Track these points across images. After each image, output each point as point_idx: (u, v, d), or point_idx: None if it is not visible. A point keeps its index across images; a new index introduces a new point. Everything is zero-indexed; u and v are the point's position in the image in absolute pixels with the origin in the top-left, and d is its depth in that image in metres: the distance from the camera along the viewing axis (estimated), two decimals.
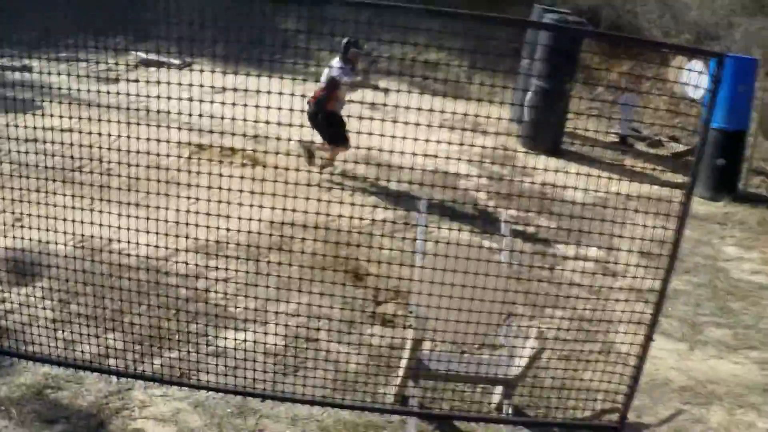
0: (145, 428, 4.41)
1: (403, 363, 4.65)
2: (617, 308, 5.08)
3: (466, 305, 4.29)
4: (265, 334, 5.38)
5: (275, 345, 5.32)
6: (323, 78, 9.22)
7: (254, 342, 5.04)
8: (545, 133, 11.88)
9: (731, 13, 16.59)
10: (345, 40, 9.11)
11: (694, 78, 11.90)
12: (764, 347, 6.45)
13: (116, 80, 10.93)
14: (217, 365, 4.90)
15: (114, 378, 4.78)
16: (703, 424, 5.19)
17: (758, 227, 9.70)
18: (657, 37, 16.59)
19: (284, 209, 4.23)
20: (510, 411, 4.74)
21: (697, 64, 11.98)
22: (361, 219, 6.77)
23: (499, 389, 4.88)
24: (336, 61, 9.24)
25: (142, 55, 13.66)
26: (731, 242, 9.04)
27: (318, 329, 5.19)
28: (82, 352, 4.82)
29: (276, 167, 4.97)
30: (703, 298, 7.26)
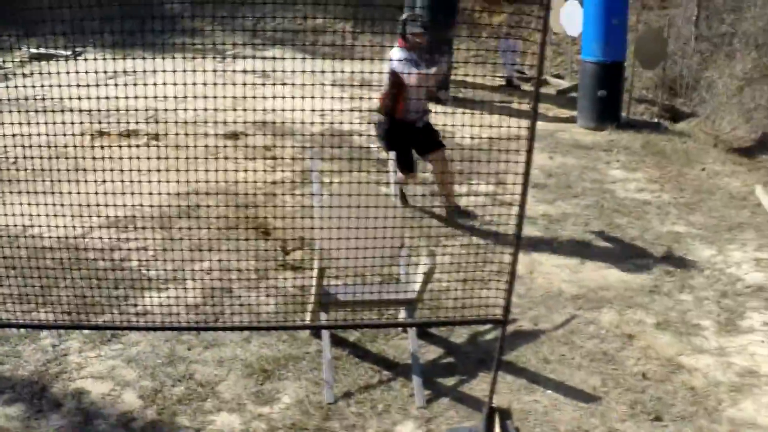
0: (85, 386, 4.89)
1: (312, 296, 5.24)
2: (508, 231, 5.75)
3: (363, 239, 4.88)
4: (185, 289, 5.90)
5: (195, 298, 5.84)
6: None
7: (176, 297, 5.56)
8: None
9: None
10: (403, 17, 7.46)
11: (569, 16, 12.78)
12: (649, 254, 7.25)
13: (7, 76, 11.17)
14: (145, 322, 5.42)
15: (50, 347, 5.26)
16: (595, 324, 5.93)
17: (642, 150, 10.59)
18: None
19: (188, 181, 4.66)
20: (415, 331, 5.39)
21: (574, 4, 12.85)
22: (264, 181, 7.29)
23: (403, 312, 5.51)
24: (396, 51, 7.24)
25: (33, 50, 13.80)
26: (616, 166, 9.89)
27: (230, 280, 5.79)
28: (18, 327, 5.28)
29: (176, 145, 5.47)
30: (591, 218, 8.05)
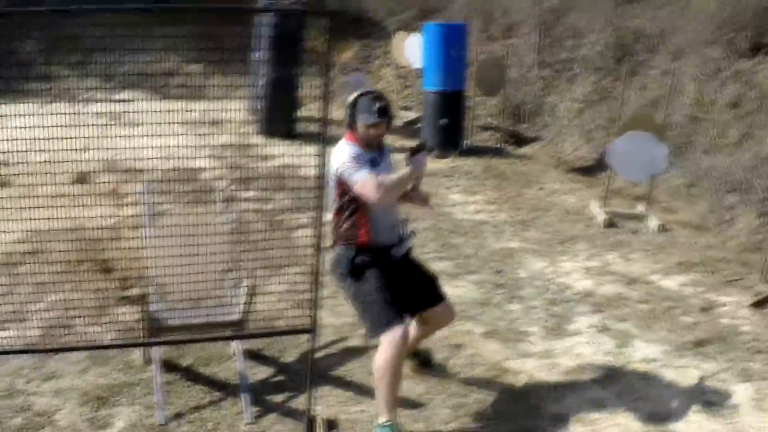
0: None
1: (141, 324, 5.33)
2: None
3: (191, 266, 5.03)
4: (26, 329, 5.90)
5: (33, 336, 5.86)
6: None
7: (17, 337, 5.57)
8: (279, 119, 12.86)
9: None
10: (353, 96, 4.96)
11: (412, 49, 13.29)
12: (482, 270, 7.59)
13: None
14: None
15: None
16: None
17: (483, 174, 11.05)
18: (382, 17, 18.00)
19: (36, 219, 4.76)
20: (241, 350, 5.54)
21: (416, 37, 13.37)
22: (111, 218, 7.34)
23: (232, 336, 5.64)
24: (341, 148, 4.88)
25: None
26: (456, 191, 10.29)
27: (72, 317, 5.85)
28: None
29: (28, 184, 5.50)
30: (427, 239, 8.35)
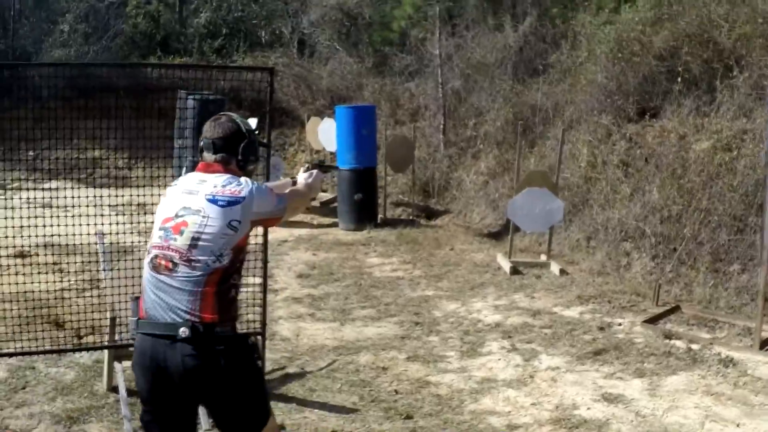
0: None
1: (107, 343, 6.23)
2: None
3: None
4: None
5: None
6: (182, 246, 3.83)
7: None
8: None
9: (359, 76, 19.74)
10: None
11: (325, 133, 14.50)
12: (401, 314, 8.61)
13: None
14: None
15: None
16: (353, 364, 7.14)
17: (397, 241, 12.17)
18: (296, 107, 19.35)
19: None
20: None
21: (328, 122, 14.61)
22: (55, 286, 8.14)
23: None
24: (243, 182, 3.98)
25: None
26: (374, 255, 11.38)
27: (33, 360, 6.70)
28: None
29: None
30: (350, 293, 9.38)
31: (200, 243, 3.73)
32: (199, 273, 3.70)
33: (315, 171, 4.56)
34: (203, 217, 3.77)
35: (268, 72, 5.81)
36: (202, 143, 4.06)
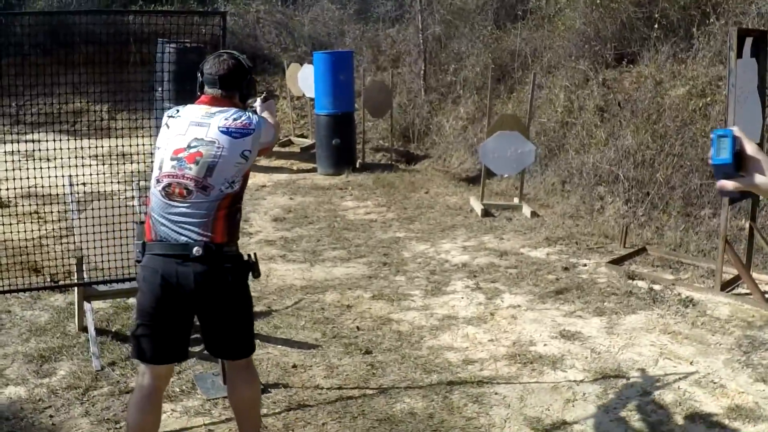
0: None
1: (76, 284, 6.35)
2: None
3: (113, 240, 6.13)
4: None
5: None
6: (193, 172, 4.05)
7: None
8: None
9: (341, 23, 19.70)
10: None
11: (306, 79, 14.52)
12: (370, 255, 8.71)
13: None
14: None
15: None
16: (319, 302, 7.25)
17: (373, 185, 12.26)
18: (278, 54, 19.28)
19: None
20: None
21: (309, 68, 14.61)
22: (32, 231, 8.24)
23: None
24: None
25: None
26: (349, 199, 11.47)
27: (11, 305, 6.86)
28: None
29: None
30: (323, 236, 9.48)
31: (215, 171, 4.02)
32: (212, 198, 4.01)
33: (271, 101, 4.94)
34: (218, 147, 4.04)
35: (220, 16, 5.81)
36: (202, 78, 4.33)
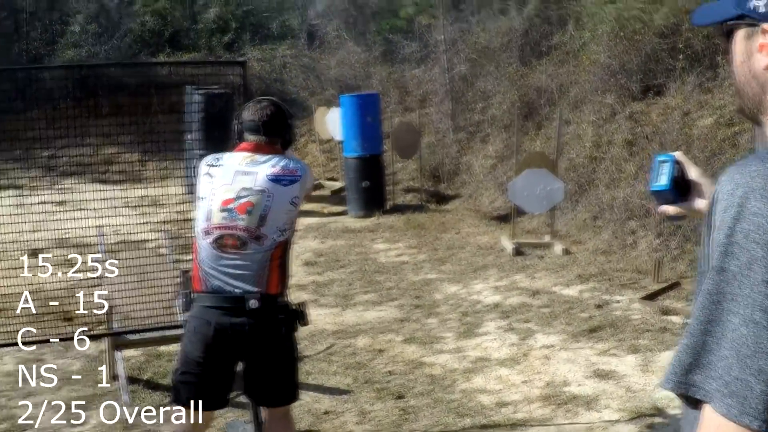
0: None
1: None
2: None
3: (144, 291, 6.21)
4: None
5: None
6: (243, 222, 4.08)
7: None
8: None
9: (366, 65, 19.85)
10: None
11: (334, 123, 14.62)
12: (402, 298, 8.72)
13: None
14: None
15: None
16: (351, 347, 7.26)
17: (404, 227, 12.27)
18: (305, 97, 19.42)
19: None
20: None
21: (336, 111, 14.72)
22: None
23: None
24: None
25: None
26: (380, 241, 11.48)
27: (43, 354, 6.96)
28: None
29: None
30: (354, 279, 9.51)
31: (268, 220, 4.06)
32: (266, 248, 4.04)
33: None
34: (268, 196, 4.08)
35: (240, 66, 5.91)
36: (242, 125, 4.33)
